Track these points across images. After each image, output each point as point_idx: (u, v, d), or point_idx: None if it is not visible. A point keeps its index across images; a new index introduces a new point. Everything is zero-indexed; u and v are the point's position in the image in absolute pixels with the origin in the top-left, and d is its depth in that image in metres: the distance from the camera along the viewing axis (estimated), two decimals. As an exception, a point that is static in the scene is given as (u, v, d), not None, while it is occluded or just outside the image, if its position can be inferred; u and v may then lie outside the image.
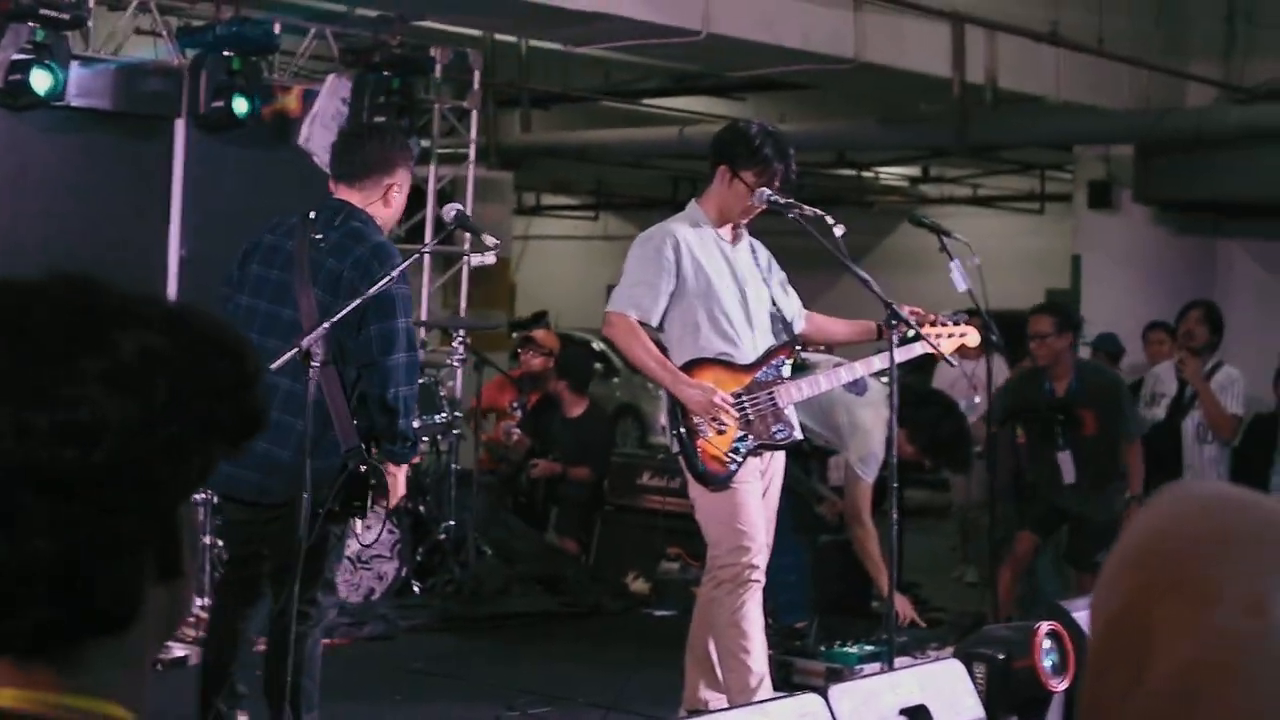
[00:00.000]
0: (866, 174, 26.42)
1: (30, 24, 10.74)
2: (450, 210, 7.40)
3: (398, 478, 7.11)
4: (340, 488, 6.87)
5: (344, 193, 7.29)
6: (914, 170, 26.87)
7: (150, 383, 1.53)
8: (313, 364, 6.57)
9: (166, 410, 1.53)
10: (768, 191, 7.64)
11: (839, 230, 7.66)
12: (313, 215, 7.21)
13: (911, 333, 7.92)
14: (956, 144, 17.59)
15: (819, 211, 7.78)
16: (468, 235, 10.19)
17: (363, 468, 6.89)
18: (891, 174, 27.00)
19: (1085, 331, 12.93)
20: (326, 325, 6.62)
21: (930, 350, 7.99)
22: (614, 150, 22.10)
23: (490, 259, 7.35)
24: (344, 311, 6.71)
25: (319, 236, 7.11)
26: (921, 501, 17.29)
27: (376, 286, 6.79)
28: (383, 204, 7.33)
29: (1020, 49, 15.94)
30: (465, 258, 13.50)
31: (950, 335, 8.06)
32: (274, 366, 6.45)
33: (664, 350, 7.83)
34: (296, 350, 6.53)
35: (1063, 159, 22.36)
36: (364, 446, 6.97)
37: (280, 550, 6.97)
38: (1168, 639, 1.51)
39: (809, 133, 19.59)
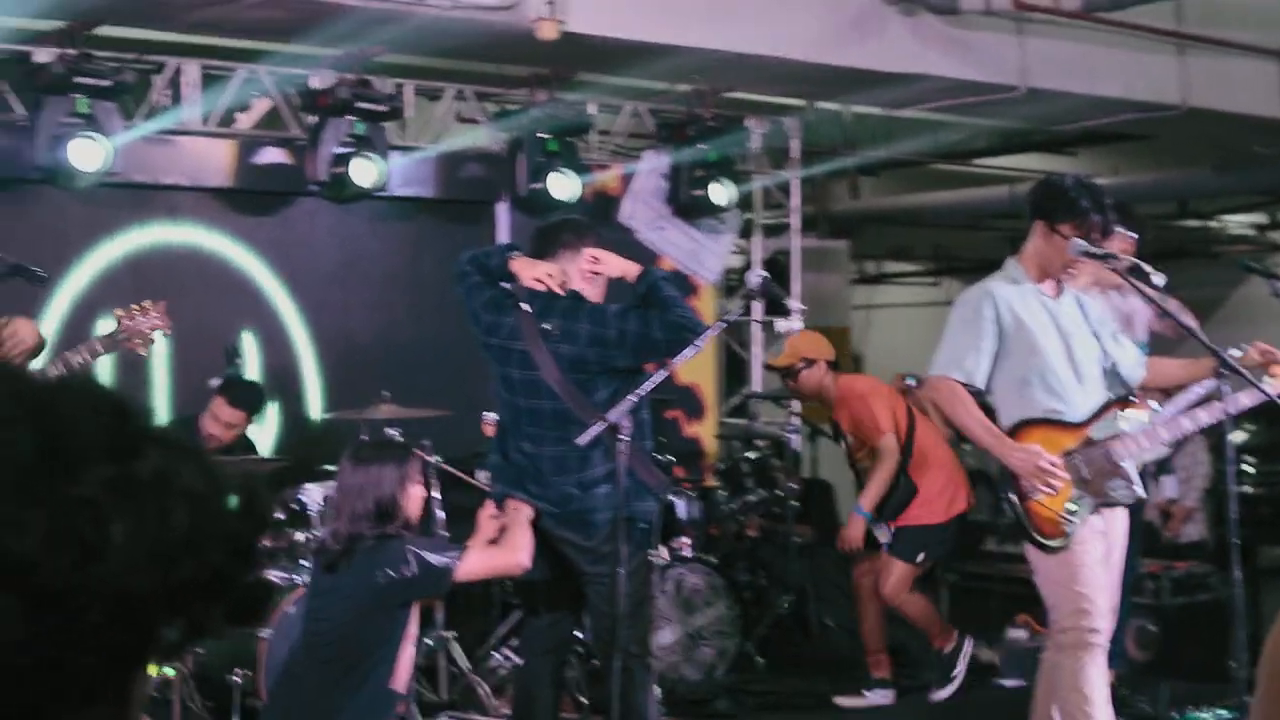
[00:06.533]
0: (1212, 224, 25.71)
1: (349, 118, 10.98)
2: (754, 277, 7.33)
3: None
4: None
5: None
6: (1261, 217, 26.10)
7: (169, 509, 1.38)
8: (620, 437, 6.63)
9: (184, 547, 1.38)
10: (1081, 243, 7.45)
11: (1158, 279, 7.42)
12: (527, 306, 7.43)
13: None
14: (1295, 186, 17.06)
15: (1136, 260, 7.57)
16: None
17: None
18: (1238, 222, 26.25)
19: None
20: (633, 398, 6.73)
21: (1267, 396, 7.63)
22: (946, 213, 21.86)
23: (796, 324, 7.28)
24: (653, 383, 6.85)
25: (547, 327, 7.39)
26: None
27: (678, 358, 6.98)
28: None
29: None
30: (760, 323, 13.38)
31: (1308, 374, 7.73)
32: (582, 441, 6.65)
33: (990, 412, 7.64)
34: (604, 424, 6.62)
35: None
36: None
37: None
38: None
39: (1143, 184, 19.18)
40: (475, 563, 6.89)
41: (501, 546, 7.13)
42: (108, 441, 1.38)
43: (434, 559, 6.72)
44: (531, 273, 7.34)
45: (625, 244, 11.93)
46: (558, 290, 7.28)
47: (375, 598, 6.67)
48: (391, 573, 6.62)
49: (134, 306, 8.36)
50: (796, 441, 12.77)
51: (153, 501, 1.37)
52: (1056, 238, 7.56)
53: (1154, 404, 8.28)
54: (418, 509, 6.97)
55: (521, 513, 7.23)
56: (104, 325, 8.86)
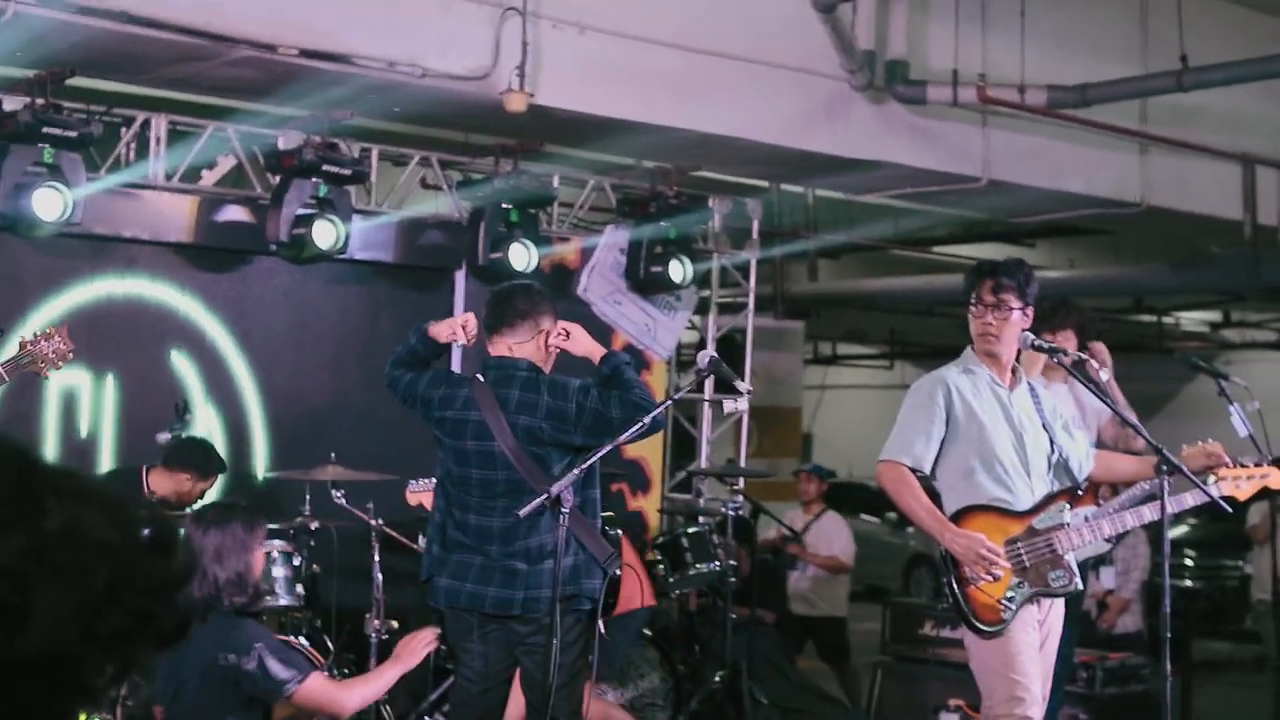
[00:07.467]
0: (1166, 320, 25.92)
1: (314, 180, 11.02)
2: (704, 356, 7.36)
3: None
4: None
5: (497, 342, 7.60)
6: (1215, 315, 26.30)
7: (86, 565, 1.34)
8: (563, 510, 6.66)
9: (106, 600, 1.35)
10: (1031, 336, 7.59)
11: (1105, 374, 7.54)
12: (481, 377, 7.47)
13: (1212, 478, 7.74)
14: (1249, 287, 17.18)
15: (1082, 355, 7.68)
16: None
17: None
18: (1191, 319, 26.46)
19: None
20: (577, 472, 6.77)
21: (1209, 497, 7.73)
22: (903, 298, 21.99)
23: (742, 405, 7.31)
24: (596, 455, 6.89)
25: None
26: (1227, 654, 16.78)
27: (629, 433, 7.01)
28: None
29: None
30: (709, 403, 13.42)
31: (1250, 477, 7.83)
32: (523, 513, 6.68)
33: (937, 498, 7.71)
34: (546, 497, 6.65)
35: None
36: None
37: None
38: None
39: (1100, 278, 19.32)
40: (313, 692, 6.63)
41: (344, 686, 6.95)
42: (11, 507, 1.35)
43: (276, 668, 6.50)
44: (447, 328, 7.44)
45: (581, 316, 11.96)
46: (466, 339, 7.36)
47: (209, 678, 6.48)
48: (232, 657, 6.45)
49: (37, 333, 8.40)
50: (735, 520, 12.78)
51: (70, 560, 1.32)
52: (969, 310, 7.74)
53: (1102, 499, 8.37)
54: (259, 571, 6.77)
55: (407, 654, 7.09)
56: (9, 350, 8.83)
